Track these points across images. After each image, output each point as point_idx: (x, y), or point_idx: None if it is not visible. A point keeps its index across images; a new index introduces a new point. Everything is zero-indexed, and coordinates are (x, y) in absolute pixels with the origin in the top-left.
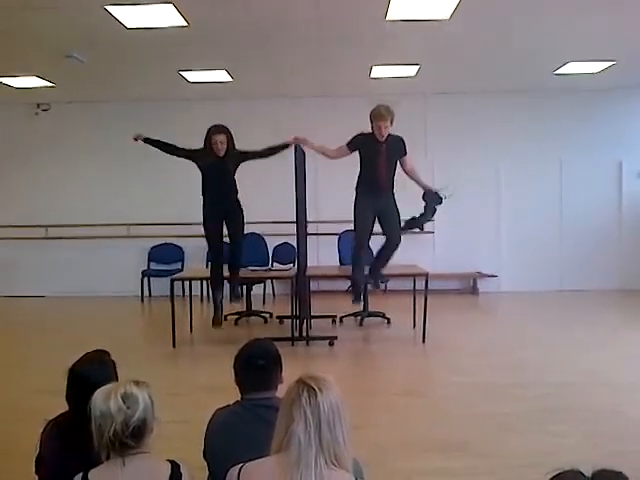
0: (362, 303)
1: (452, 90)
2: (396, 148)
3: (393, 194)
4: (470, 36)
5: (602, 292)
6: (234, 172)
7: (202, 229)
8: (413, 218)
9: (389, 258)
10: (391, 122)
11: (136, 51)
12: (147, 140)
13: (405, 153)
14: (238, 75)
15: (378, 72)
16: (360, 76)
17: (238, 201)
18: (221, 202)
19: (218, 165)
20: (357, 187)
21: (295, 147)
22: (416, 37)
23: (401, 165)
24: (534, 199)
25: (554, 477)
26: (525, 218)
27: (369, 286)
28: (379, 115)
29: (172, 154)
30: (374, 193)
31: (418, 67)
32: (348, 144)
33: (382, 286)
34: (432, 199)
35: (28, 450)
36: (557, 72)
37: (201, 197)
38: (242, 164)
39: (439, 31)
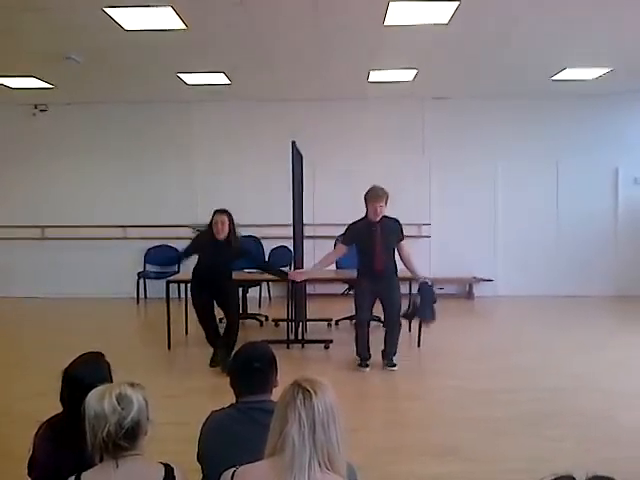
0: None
1: (449, 95)
2: (392, 230)
3: (395, 276)
4: (468, 41)
5: (598, 298)
6: (232, 262)
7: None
8: (412, 310)
9: (395, 342)
10: (385, 202)
11: (134, 53)
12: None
13: (402, 237)
14: (236, 78)
15: (376, 76)
16: (358, 80)
17: (231, 279)
18: (212, 284)
19: (216, 247)
20: (357, 269)
21: (292, 148)
22: (414, 42)
23: (398, 250)
24: (531, 204)
25: None
26: (521, 223)
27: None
28: (375, 196)
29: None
30: (373, 276)
31: (416, 72)
32: (343, 240)
33: (396, 367)
34: (428, 294)
35: (22, 452)
36: (554, 78)
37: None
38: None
39: (437, 36)
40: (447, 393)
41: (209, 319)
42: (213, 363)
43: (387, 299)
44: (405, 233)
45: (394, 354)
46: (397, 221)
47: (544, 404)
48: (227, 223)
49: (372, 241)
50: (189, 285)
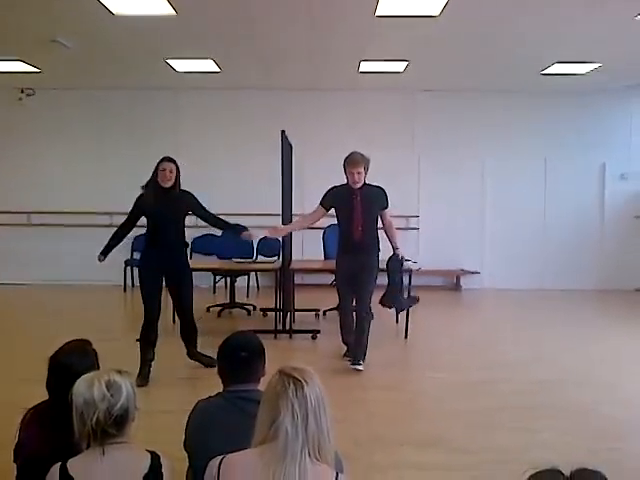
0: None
1: (440, 87)
2: (375, 198)
3: (374, 252)
4: (459, 34)
5: (583, 291)
6: (184, 216)
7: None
8: (386, 296)
9: (362, 342)
10: (365, 169)
11: (123, 38)
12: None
13: (387, 205)
14: (226, 66)
15: (366, 67)
16: (348, 70)
17: (186, 255)
18: (163, 250)
19: (163, 198)
20: (338, 244)
21: (282, 138)
22: (405, 33)
23: (381, 218)
24: (518, 198)
25: (532, 475)
26: (509, 216)
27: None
28: (353, 161)
29: (131, 225)
30: (351, 248)
31: (406, 63)
32: (321, 202)
33: (361, 366)
34: (394, 266)
35: (4, 440)
36: (544, 72)
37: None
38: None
39: (428, 28)
40: (432, 385)
41: (154, 311)
42: (142, 380)
43: (360, 286)
44: (394, 225)
45: (363, 355)
46: (382, 189)
47: (528, 396)
48: (175, 171)
49: (351, 208)
50: (137, 269)
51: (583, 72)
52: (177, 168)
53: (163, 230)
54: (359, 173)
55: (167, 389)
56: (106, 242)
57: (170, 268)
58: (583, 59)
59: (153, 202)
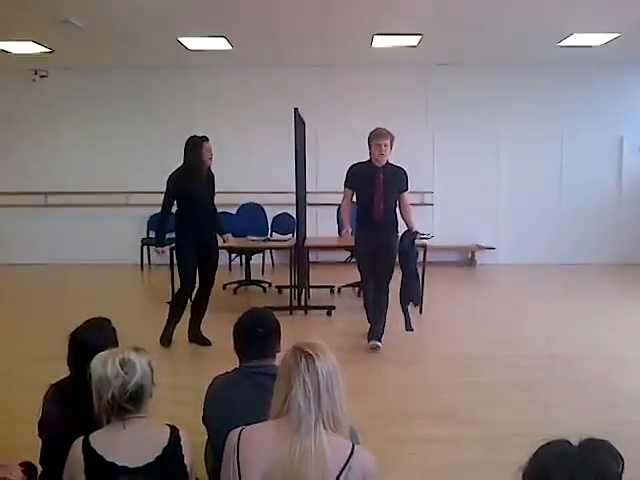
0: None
1: (454, 61)
2: (396, 178)
3: (394, 232)
4: (473, 6)
5: (599, 266)
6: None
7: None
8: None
9: (380, 319)
10: (391, 144)
11: (135, 16)
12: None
13: (407, 188)
14: (238, 43)
15: (380, 42)
16: (361, 45)
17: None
18: (202, 228)
19: (207, 178)
20: (356, 220)
21: (295, 115)
22: (418, 6)
23: (399, 200)
24: (534, 171)
25: (542, 446)
26: (524, 191)
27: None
28: (379, 135)
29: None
30: (371, 227)
31: (420, 37)
32: (345, 183)
33: (380, 343)
34: (407, 244)
35: (25, 416)
36: (561, 44)
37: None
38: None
39: (442, 0)
40: (446, 359)
41: (193, 283)
42: (166, 341)
43: (380, 265)
44: (411, 209)
45: (381, 334)
46: (404, 171)
47: (543, 371)
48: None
49: (373, 186)
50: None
51: (601, 43)
52: None
53: (204, 208)
54: (385, 145)
55: (185, 364)
56: (157, 231)
57: (205, 244)
58: (601, 29)
59: (198, 181)
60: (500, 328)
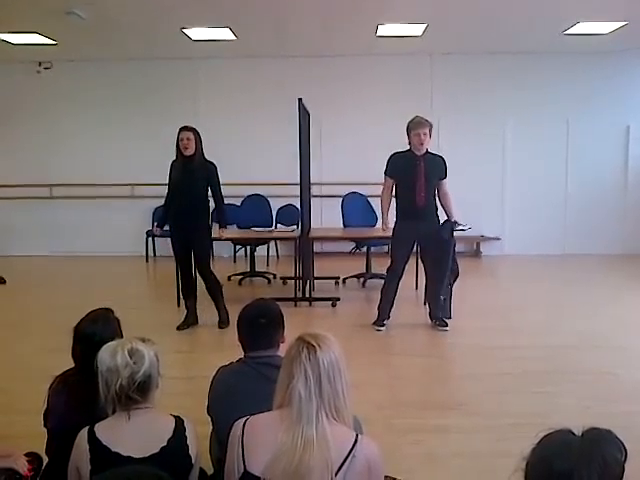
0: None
1: (459, 50)
2: (436, 166)
3: (436, 218)
4: None
5: (605, 256)
6: (202, 184)
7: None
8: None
9: (437, 297)
10: (430, 133)
11: (138, 7)
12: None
13: (445, 176)
14: (242, 33)
15: (384, 31)
16: (366, 35)
17: (202, 220)
18: (176, 215)
19: (184, 167)
20: (396, 211)
21: (299, 105)
22: None
23: (437, 188)
24: (540, 161)
25: (545, 436)
26: (530, 181)
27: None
28: (418, 123)
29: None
30: (414, 215)
31: (425, 26)
32: (386, 171)
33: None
34: (445, 230)
35: (30, 406)
36: (567, 32)
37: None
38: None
39: None
40: (452, 349)
41: (185, 268)
42: (182, 325)
43: (427, 250)
44: (450, 196)
45: (440, 314)
46: (442, 158)
47: (548, 361)
48: (193, 139)
49: (414, 175)
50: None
51: (607, 31)
52: (196, 136)
53: (182, 198)
54: (425, 134)
55: (190, 355)
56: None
57: (187, 233)
58: (608, 17)
59: (176, 169)
60: (505, 319)
